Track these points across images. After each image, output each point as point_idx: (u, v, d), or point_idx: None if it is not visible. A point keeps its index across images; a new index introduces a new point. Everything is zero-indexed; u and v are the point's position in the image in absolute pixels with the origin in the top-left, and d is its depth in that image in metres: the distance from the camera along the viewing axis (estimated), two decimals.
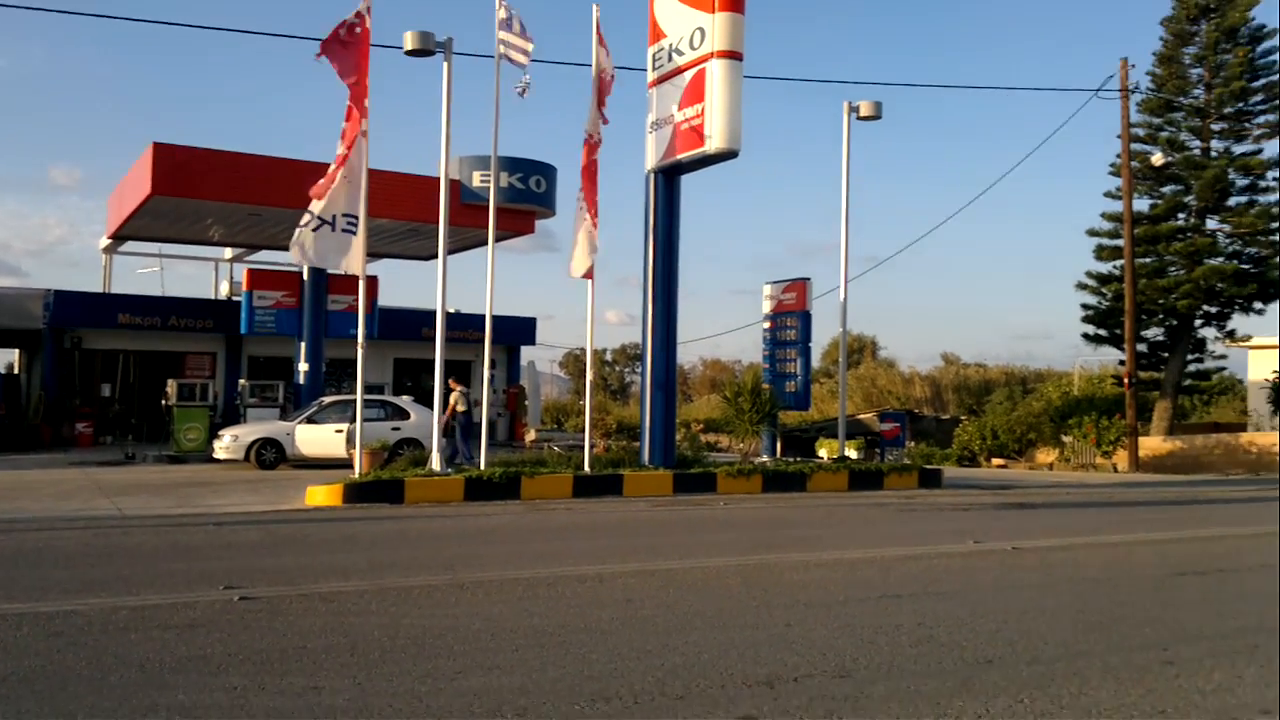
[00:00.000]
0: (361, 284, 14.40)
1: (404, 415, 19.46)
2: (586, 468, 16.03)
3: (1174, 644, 6.08)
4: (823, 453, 26.43)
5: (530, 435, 24.64)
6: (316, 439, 18.91)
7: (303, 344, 24.28)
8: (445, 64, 15.26)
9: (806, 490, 16.87)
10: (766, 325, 20.83)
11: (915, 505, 15.04)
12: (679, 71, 16.14)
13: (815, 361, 58.63)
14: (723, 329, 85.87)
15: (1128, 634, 6.36)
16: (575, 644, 5.81)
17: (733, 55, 15.55)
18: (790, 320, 20.22)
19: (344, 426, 18.64)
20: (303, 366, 24.21)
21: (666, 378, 16.99)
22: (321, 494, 13.78)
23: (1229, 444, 28.49)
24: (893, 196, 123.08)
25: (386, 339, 27.55)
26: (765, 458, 19.68)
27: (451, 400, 17.45)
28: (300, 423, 19.13)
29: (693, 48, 15.88)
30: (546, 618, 6.50)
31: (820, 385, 49.52)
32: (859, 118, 18.79)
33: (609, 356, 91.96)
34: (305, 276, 24.29)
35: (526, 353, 35.49)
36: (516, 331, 32.19)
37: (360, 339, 14.43)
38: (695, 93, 15.77)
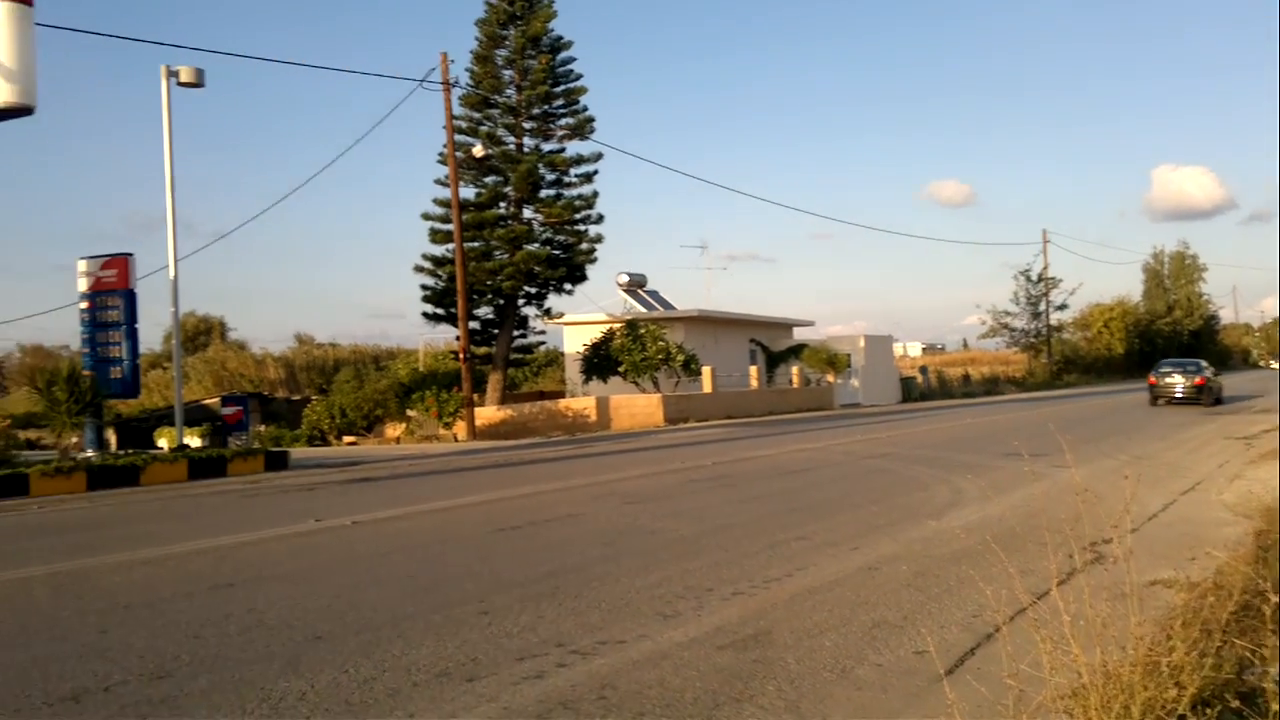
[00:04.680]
0: None
1: None
2: None
3: (490, 595, 6.66)
4: (163, 442, 24.68)
5: None
6: None
7: None
8: None
9: (141, 484, 15.59)
10: (85, 306, 18.75)
11: (260, 489, 14.68)
12: None
13: (155, 344, 54.40)
14: (45, 310, 75.92)
15: (450, 592, 6.83)
16: None
17: None
18: (113, 300, 18.44)
19: None
20: None
21: None
22: None
23: (550, 409, 32.11)
24: (237, 171, 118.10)
25: None
26: (91, 452, 17.77)
27: None
28: None
29: None
30: None
31: (164, 370, 46.05)
32: (179, 83, 17.73)
33: None
34: None
35: None
36: None
37: None
38: None
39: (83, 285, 18.73)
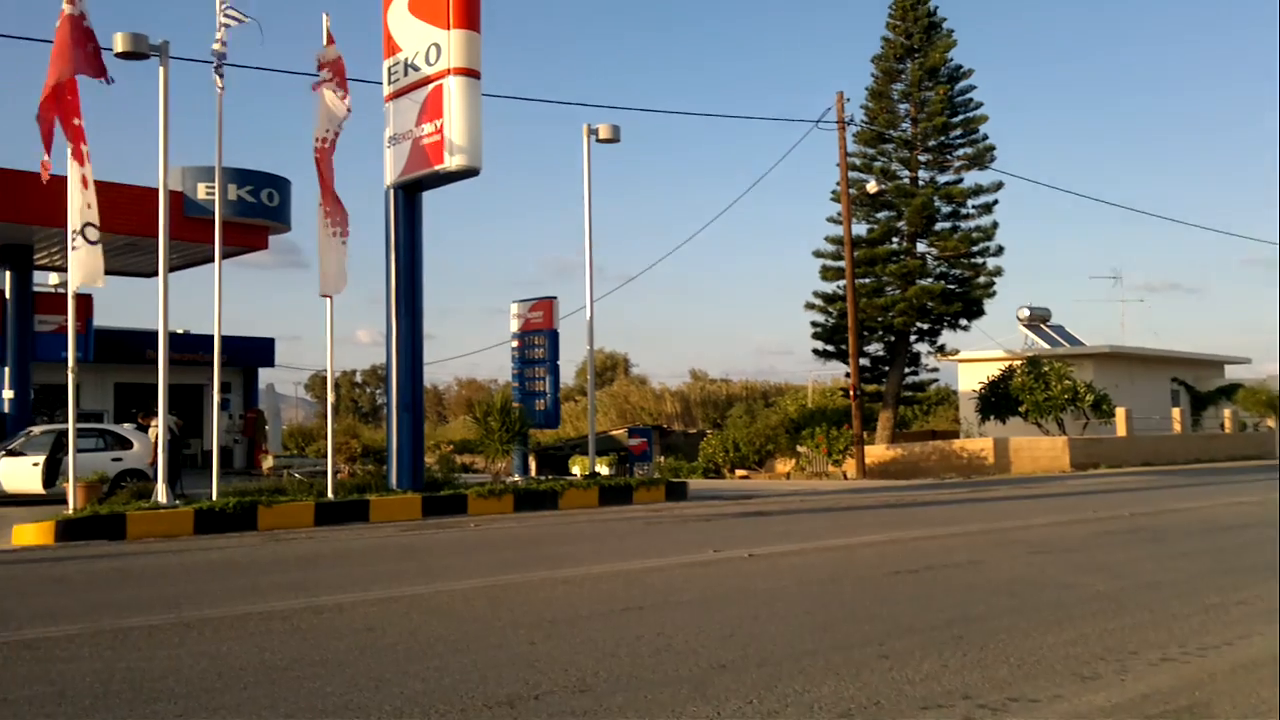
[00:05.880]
0: (70, 302, 13.33)
1: (126, 445, 18.06)
2: (330, 494, 15.45)
3: (889, 639, 6.53)
4: (575, 470, 26.77)
5: (268, 462, 23.44)
6: (15, 473, 17.23)
7: (5, 369, 22.14)
8: (161, 69, 14.33)
9: (558, 508, 16.98)
10: (515, 344, 20.88)
11: (662, 518, 15.45)
12: (416, 86, 15.94)
13: (569, 379, 59.25)
14: (478, 348, 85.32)
15: (849, 632, 6.78)
16: (310, 678, 5.57)
17: (470, 72, 15.55)
18: (538, 339, 20.36)
19: (41, 459, 17.04)
20: (6, 394, 22.05)
21: (413, 398, 16.66)
22: (30, 532, 12.58)
23: (944, 450, 31.06)
24: (646, 216, 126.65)
25: (106, 362, 25.57)
26: (518, 477, 19.67)
27: (151, 436, 16.55)
28: (2, 456, 17.37)
29: (429, 63, 15.73)
30: (279, 653, 6.21)
31: (575, 403, 50.00)
32: (599, 140, 19.22)
33: (359, 378, 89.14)
34: (7, 294, 22.22)
35: (266, 375, 33.87)
36: (253, 353, 30.67)
37: (71, 362, 13.33)
38: (434, 109, 15.62)
39: (514, 326, 20.88)
